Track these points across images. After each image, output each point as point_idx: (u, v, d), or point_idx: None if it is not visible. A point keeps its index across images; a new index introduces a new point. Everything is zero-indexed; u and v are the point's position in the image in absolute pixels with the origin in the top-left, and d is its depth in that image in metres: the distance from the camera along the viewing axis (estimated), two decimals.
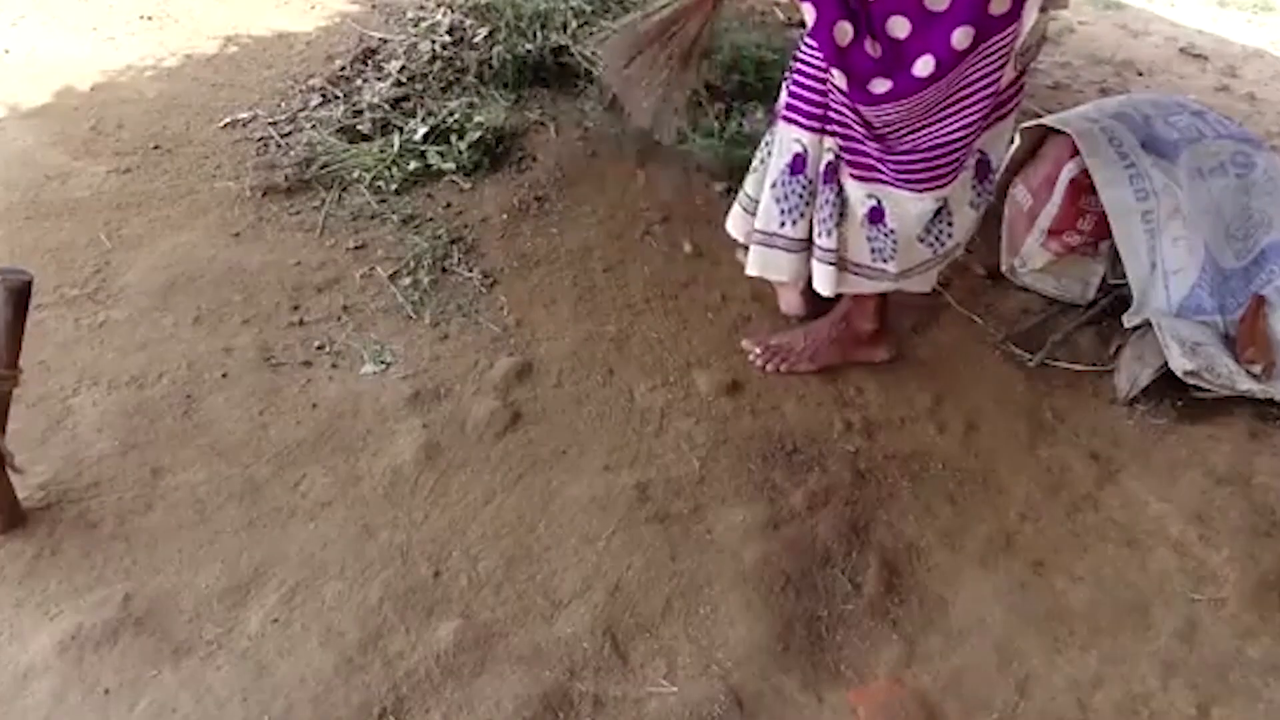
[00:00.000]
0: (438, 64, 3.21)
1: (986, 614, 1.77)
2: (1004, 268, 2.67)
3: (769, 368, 2.24)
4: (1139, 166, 2.40)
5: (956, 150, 1.88)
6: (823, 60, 1.85)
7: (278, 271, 2.37)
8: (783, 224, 2.04)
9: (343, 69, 3.23)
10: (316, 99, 3.06)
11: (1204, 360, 2.21)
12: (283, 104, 3.05)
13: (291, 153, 2.79)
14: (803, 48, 1.94)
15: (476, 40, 3.27)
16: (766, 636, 1.69)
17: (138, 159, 2.74)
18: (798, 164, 1.98)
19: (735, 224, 2.17)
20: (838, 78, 1.83)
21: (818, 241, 2.04)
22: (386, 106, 2.98)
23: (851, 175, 1.96)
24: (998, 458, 2.10)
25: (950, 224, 2.03)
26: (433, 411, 2.04)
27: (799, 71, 1.94)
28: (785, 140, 2.00)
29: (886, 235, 2.00)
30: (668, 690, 1.59)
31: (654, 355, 2.25)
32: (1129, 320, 2.38)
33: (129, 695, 1.50)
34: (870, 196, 1.96)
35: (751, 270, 2.13)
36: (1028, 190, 2.64)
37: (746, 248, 2.16)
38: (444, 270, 2.43)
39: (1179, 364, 2.19)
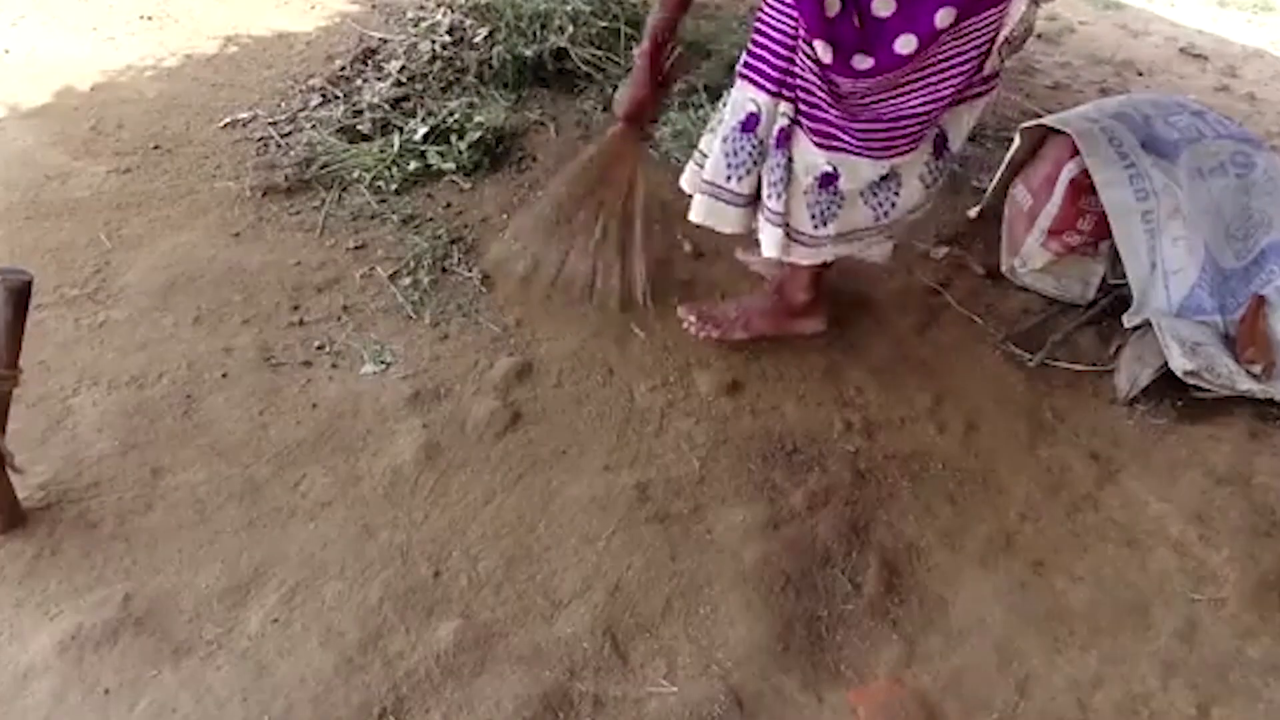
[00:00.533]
0: (438, 64, 3.21)
1: (986, 614, 1.77)
2: (1004, 268, 2.67)
3: (702, 335, 2.26)
4: (1139, 166, 2.40)
5: (919, 122, 1.90)
6: (800, 28, 1.85)
7: (278, 271, 2.37)
8: (729, 178, 2.03)
9: (343, 69, 3.23)
10: (316, 99, 3.06)
11: (1204, 360, 2.21)
12: (283, 104, 3.05)
13: (291, 153, 2.79)
14: (767, 9, 1.92)
15: (476, 40, 3.27)
16: (766, 636, 1.69)
17: (138, 159, 2.74)
18: (750, 123, 1.97)
19: (687, 179, 2.17)
20: (821, 50, 1.82)
21: (768, 204, 2.03)
22: (386, 106, 2.98)
23: (813, 142, 1.96)
24: (998, 458, 2.10)
25: (897, 193, 2.04)
26: (433, 411, 2.04)
27: (761, 33, 1.93)
28: (740, 99, 1.99)
29: (833, 196, 2.01)
30: (668, 690, 1.59)
31: (654, 355, 2.25)
32: (1129, 320, 2.39)
33: (129, 695, 1.50)
34: (828, 163, 1.97)
35: (695, 217, 2.12)
36: (1028, 190, 2.64)
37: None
38: (444, 270, 2.43)
39: (1179, 364, 2.19)
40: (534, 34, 3.19)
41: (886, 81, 1.85)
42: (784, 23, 1.88)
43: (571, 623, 1.67)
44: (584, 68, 3.17)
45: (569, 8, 3.22)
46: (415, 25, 3.45)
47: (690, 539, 1.85)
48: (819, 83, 1.88)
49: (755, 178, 2.02)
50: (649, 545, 1.82)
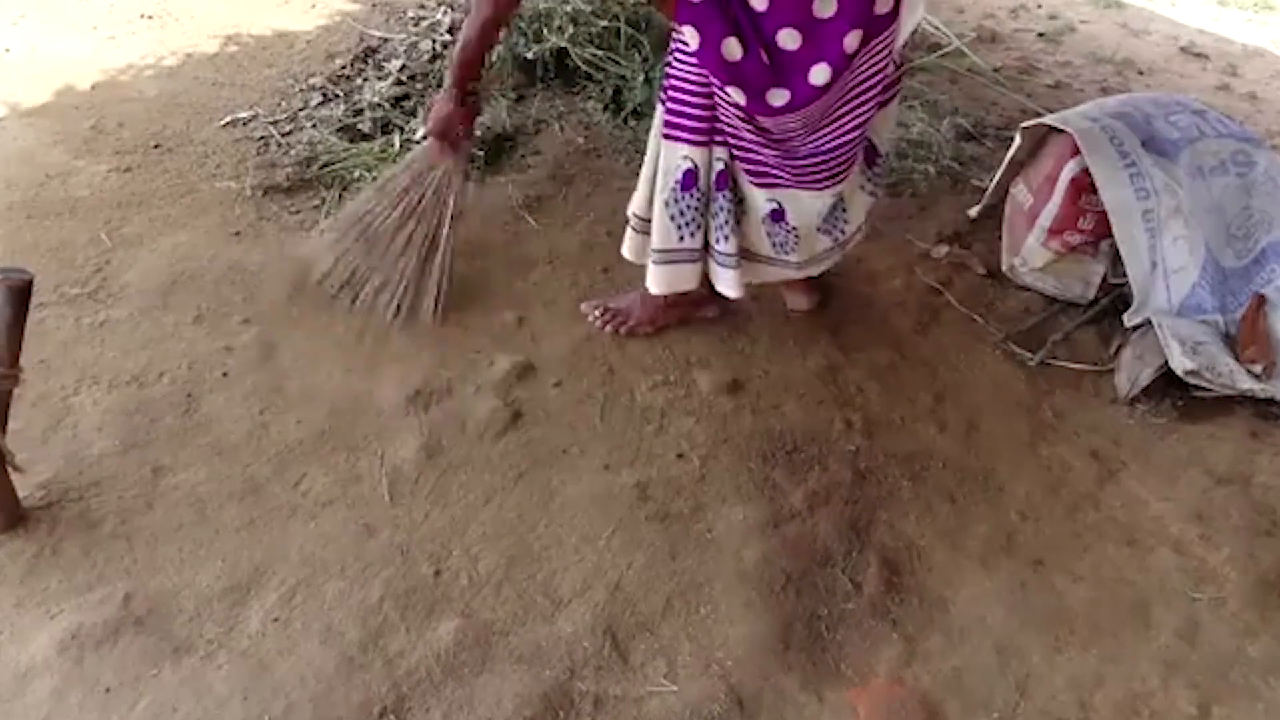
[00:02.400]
0: (438, 63, 3.21)
1: (986, 613, 1.77)
2: (1004, 267, 2.67)
3: (608, 330, 2.27)
4: (1140, 166, 2.40)
5: (854, 146, 1.93)
6: (710, 78, 1.84)
7: (278, 270, 2.37)
8: (681, 238, 2.03)
9: (343, 68, 3.24)
10: (317, 98, 3.06)
11: (1205, 359, 2.21)
12: (283, 103, 3.05)
13: (292, 152, 2.79)
14: (676, 64, 1.90)
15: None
16: (767, 636, 1.69)
17: (138, 158, 2.74)
18: (688, 180, 1.96)
19: (630, 247, 2.15)
20: (734, 93, 1.82)
21: (716, 247, 2.05)
22: (387, 105, 2.98)
23: (754, 184, 1.97)
24: (998, 457, 2.10)
25: (846, 212, 2.09)
26: (433, 411, 2.04)
27: (676, 89, 1.91)
28: (672, 159, 1.96)
29: (788, 232, 2.05)
30: (668, 689, 1.59)
31: (654, 355, 2.25)
32: (1130, 319, 2.38)
33: (129, 694, 1.50)
34: (770, 200, 1.99)
35: (657, 289, 2.11)
36: (1028, 189, 2.64)
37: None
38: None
39: (1179, 363, 2.19)
40: (534, 34, 3.19)
41: (812, 114, 1.85)
42: (696, 74, 1.87)
43: (572, 622, 1.67)
44: (584, 68, 3.17)
45: (569, 8, 3.22)
46: (416, 24, 3.46)
47: (690, 538, 1.85)
48: (747, 127, 1.88)
49: (704, 229, 2.04)
50: (649, 544, 1.82)
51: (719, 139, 1.93)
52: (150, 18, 3.55)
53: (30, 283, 1.60)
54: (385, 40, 3.37)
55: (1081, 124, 2.49)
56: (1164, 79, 4.11)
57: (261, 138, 2.87)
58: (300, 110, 3.00)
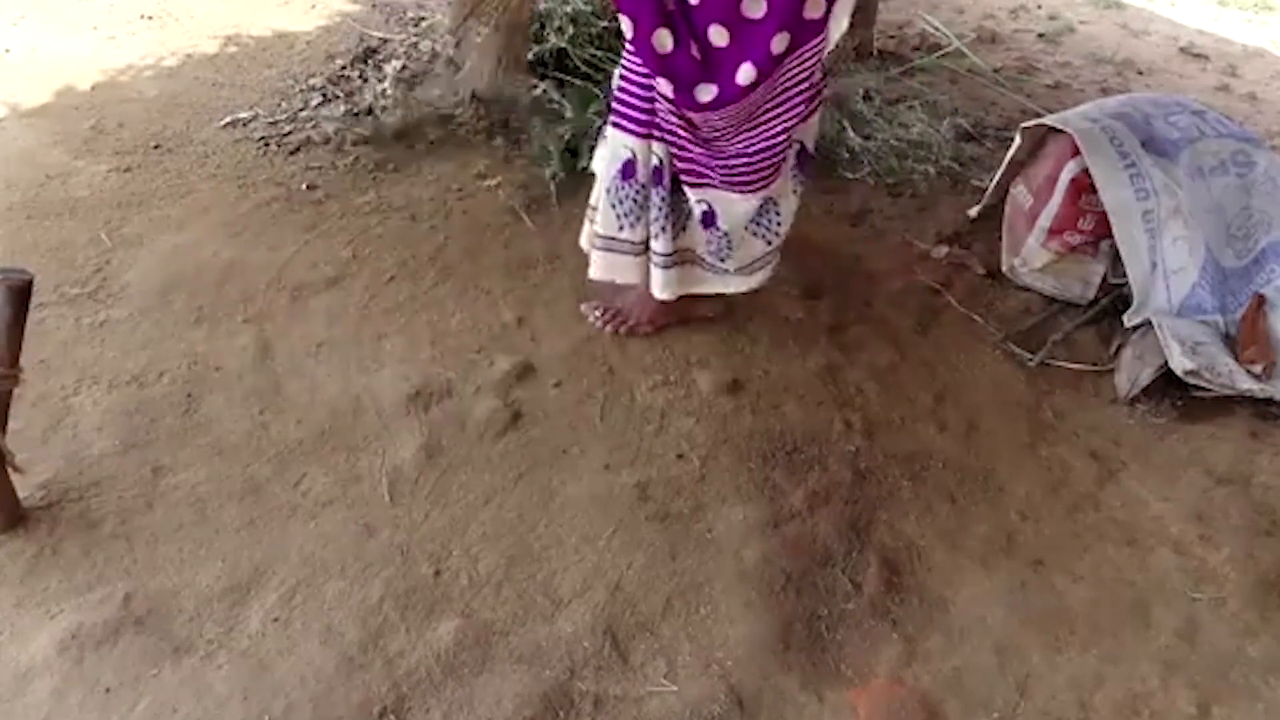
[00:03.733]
0: (438, 64, 3.21)
1: (986, 613, 1.77)
2: (1004, 267, 2.67)
3: (608, 329, 2.28)
4: (1140, 166, 2.40)
5: (780, 149, 1.95)
6: (645, 69, 1.88)
7: (278, 271, 2.37)
8: (621, 228, 2.08)
9: (343, 68, 3.24)
10: (317, 98, 3.06)
11: (1204, 359, 2.21)
12: (283, 103, 3.05)
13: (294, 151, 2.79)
14: (626, 56, 1.95)
15: (477, 40, 3.27)
16: (767, 636, 1.69)
17: (138, 158, 2.74)
18: (628, 169, 2.01)
19: (584, 236, 2.20)
20: (663, 85, 1.85)
21: (652, 245, 2.08)
22: None
23: (686, 183, 2.01)
24: (998, 457, 2.10)
25: (778, 214, 2.10)
26: (433, 411, 2.04)
27: (623, 78, 1.96)
28: (615, 147, 2.01)
29: (721, 237, 2.07)
30: (668, 689, 1.59)
31: (654, 355, 2.25)
32: (1129, 319, 2.39)
33: (129, 694, 1.50)
34: (700, 201, 2.02)
35: (595, 274, 2.16)
36: (1029, 190, 2.64)
37: None
38: (445, 270, 2.43)
39: (1179, 363, 2.19)
40: (535, 34, 3.19)
41: (740, 114, 1.88)
42: (639, 67, 1.91)
43: (572, 622, 1.67)
44: (584, 68, 3.17)
45: (569, 8, 3.23)
46: (416, 24, 3.46)
47: (690, 538, 1.85)
48: (679, 122, 1.91)
49: (645, 225, 2.07)
50: (649, 544, 1.82)
51: (658, 134, 1.97)
52: (150, 18, 3.55)
53: (30, 283, 1.60)
54: (385, 40, 3.37)
55: (1081, 124, 2.49)
56: (1164, 79, 4.11)
57: (261, 138, 2.87)
58: (300, 110, 3.01)
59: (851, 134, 3.13)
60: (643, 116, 1.96)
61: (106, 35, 3.40)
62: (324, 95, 3.07)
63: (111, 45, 3.34)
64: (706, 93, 1.85)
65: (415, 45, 3.31)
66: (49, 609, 1.60)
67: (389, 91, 3.07)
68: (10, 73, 3.10)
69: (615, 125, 2.00)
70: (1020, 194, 2.68)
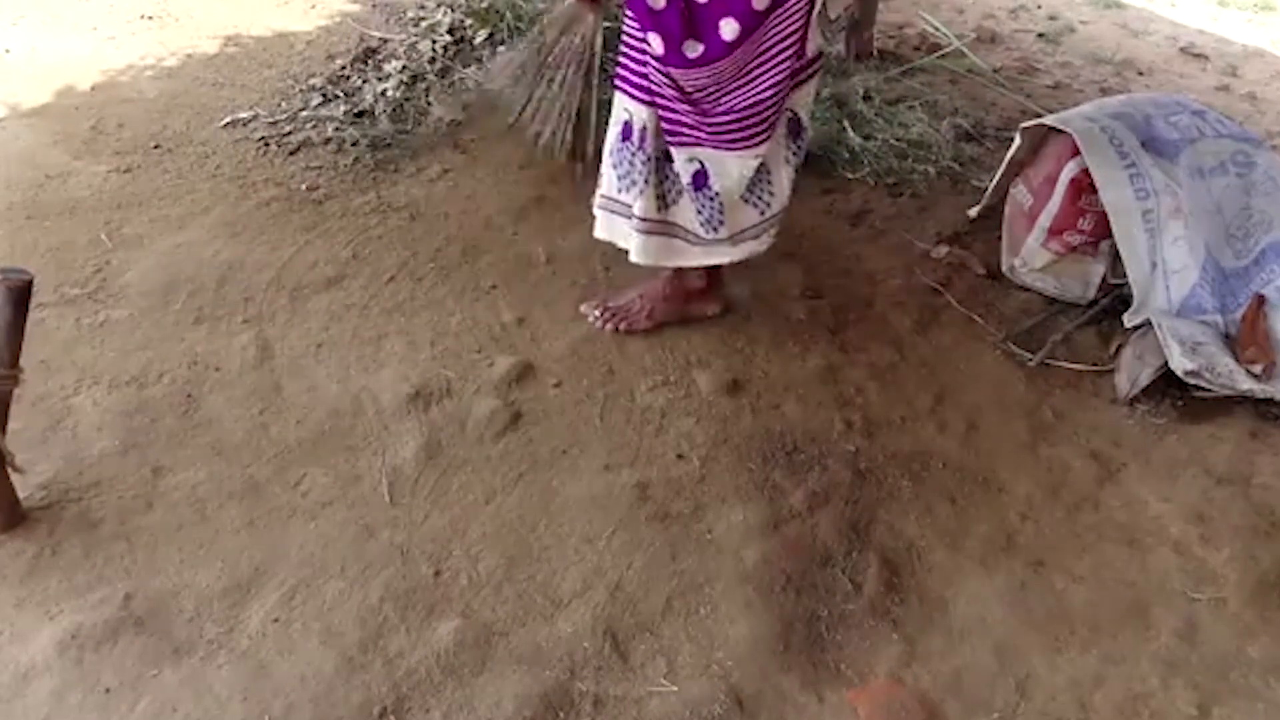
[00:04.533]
0: (438, 64, 3.21)
1: (986, 614, 1.77)
2: (1004, 268, 2.67)
3: (608, 328, 2.29)
4: (1139, 166, 2.40)
5: (768, 108, 1.96)
6: (637, 25, 1.94)
7: (278, 271, 2.37)
8: (620, 190, 2.11)
9: (343, 68, 3.24)
10: (317, 99, 3.06)
11: (1204, 360, 2.21)
12: (283, 104, 3.05)
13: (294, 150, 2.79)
14: (625, 20, 2.01)
15: (477, 40, 3.28)
16: (767, 636, 1.69)
17: (138, 158, 2.74)
18: (626, 131, 2.06)
19: (596, 198, 2.22)
20: (655, 42, 1.90)
21: (635, 210, 2.09)
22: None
23: (670, 142, 2.03)
24: (998, 457, 2.10)
25: (771, 183, 2.10)
26: (433, 411, 2.04)
27: (625, 43, 2.01)
28: (618, 108, 2.07)
29: (712, 199, 2.06)
30: (668, 689, 1.59)
31: (654, 355, 2.25)
32: (1129, 320, 2.38)
33: (129, 695, 1.50)
34: (691, 160, 2.03)
35: (599, 233, 2.20)
36: (1028, 190, 2.64)
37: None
38: (445, 270, 2.44)
39: (1179, 363, 2.19)
40: (534, 35, 3.19)
41: (725, 72, 1.92)
42: (636, 29, 1.97)
43: (572, 622, 1.67)
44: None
45: None
46: (416, 24, 3.46)
47: (690, 539, 1.85)
48: (665, 80, 1.95)
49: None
50: (649, 545, 1.82)
51: (652, 98, 2.01)
52: (150, 18, 3.55)
53: (30, 283, 1.60)
54: (385, 40, 3.37)
55: (1081, 124, 2.49)
56: (1164, 79, 4.11)
57: (261, 138, 2.87)
58: (300, 111, 3.01)
59: (851, 134, 3.13)
60: (640, 80, 2.00)
61: (106, 35, 3.40)
62: (324, 95, 3.07)
63: (111, 45, 3.34)
64: (693, 49, 1.89)
65: (415, 45, 3.31)
66: (49, 609, 1.60)
67: (389, 92, 3.07)
68: (10, 73, 3.10)
69: (617, 88, 2.06)
70: (1020, 194, 2.68)
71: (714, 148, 2.00)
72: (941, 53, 3.89)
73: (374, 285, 2.36)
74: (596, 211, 2.19)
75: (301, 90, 3.11)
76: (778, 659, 1.66)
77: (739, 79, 1.93)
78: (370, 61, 3.26)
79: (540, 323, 2.31)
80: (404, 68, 3.19)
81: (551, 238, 2.59)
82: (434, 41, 3.30)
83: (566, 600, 1.71)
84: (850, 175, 3.03)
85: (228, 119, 2.95)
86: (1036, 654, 1.71)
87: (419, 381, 2.10)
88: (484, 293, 2.38)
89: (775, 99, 1.96)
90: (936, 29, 4.14)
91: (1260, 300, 2.33)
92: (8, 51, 3.23)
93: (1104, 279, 2.54)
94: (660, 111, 2.00)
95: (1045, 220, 2.52)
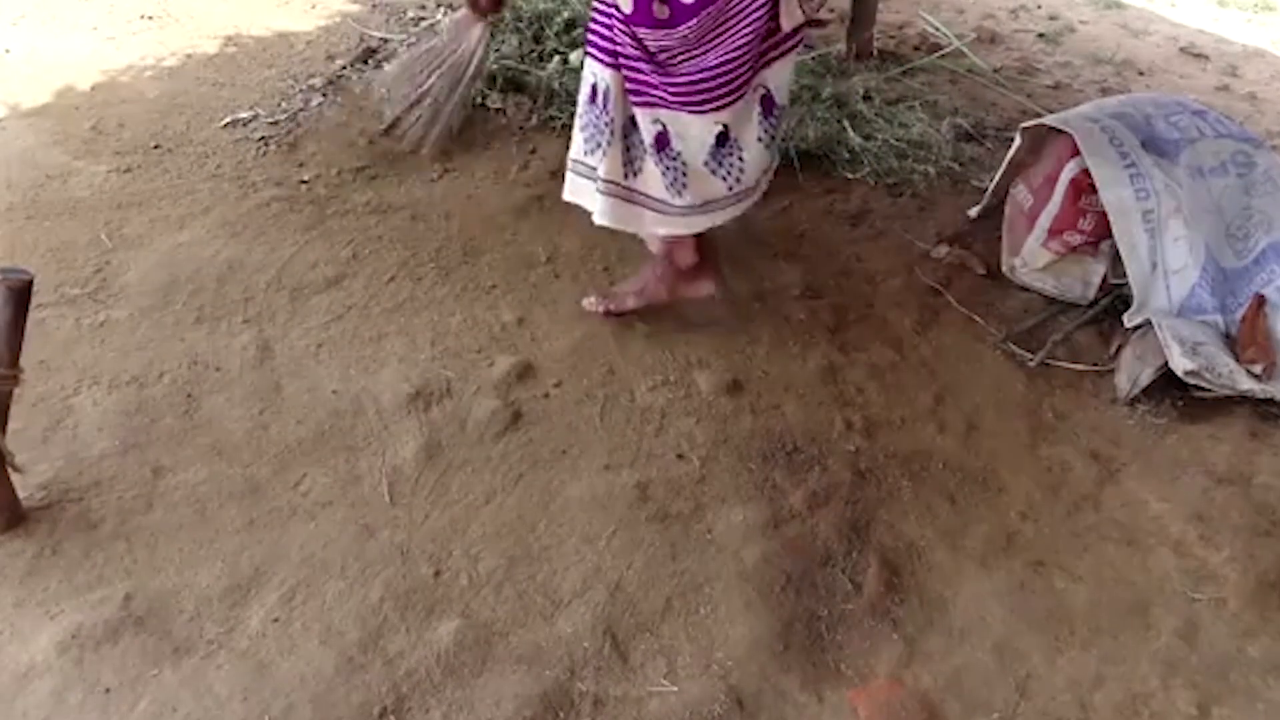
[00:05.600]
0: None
1: (986, 614, 1.77)
2: (1004, 268, 2.67)
3: (602, 310, 2.33)
4: (1140, 166, 2.40)
5: (730, 73, 1.97)
6: None
7: (278, 271, 2.37)
8: (586, 152, 2.12)
9: (343, 68, 3.23)
10: (317, 98, 3.06)
11: (1205, 360, 2.21)
12: (283, 103, 3.05)
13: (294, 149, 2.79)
14: None
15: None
16: (767, 636, 1.69)
17: (138, 158, 2.74)
18: (593, 95, 2.08)
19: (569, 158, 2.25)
20: (623, 1, 1.92)
21: (600, 171, 2.10)
22: None
23: (634, 103, 2.04)
24: (998, 457, 2.10)
25: (741, 158, 2.09)
26: (433, 411, 2.04)
27: (595, 6, 2.03)
28: (586, 72, 2.09)
29: (675, 160, 2.06)
30: (668, 689, 1.59)
31: (654, 355, 2.25)
32: (1130, 320, 2.38)
33: (130, 694, 1.50)
34: (655, 122, 2.04)
35: (566, 195, 2.21)
36: (1029, 190, 2.64)
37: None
38: (445, 270, 2.44)
39: (1180, 364, 2.19)
40: (534, 35, 3.19)
41: (688, 38, 1.94)
42: None
43: (572, 622, 1.67)
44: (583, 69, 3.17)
45: (567, 13, 3.23)
46: (416, 24, 3.46)
47: (690, 539, 1.85)
48: (631, 41, 1.98)
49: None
50: (649, 545, 1.82)
51: (619, 61, 2.03)
52: (150, 18, 3.55)
53: (30, 283, 1.60)
54: (385, 40, 3.37)
55: (1081, 124, 2.49)
56: (1164, 79, 4.11)
57: (261, 138, 2.87)
58: (300, 110, 3.00)
59: (851, 134, 3.13)
60: (608, 45, 2.02)
61: (106, 35, 3.40)
62: (324, 95, 3.07)
63: (111, 45, 3.34)
64: (662, 10, 1.92)
65: (415, 45, 3.31)
66: (49, 609, 1.60)
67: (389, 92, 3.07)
68: (10, 73, 3.10)
69: (587, 52, 2.09)
70: (1020, 194, 2.68)
71: (675, 108, 2.03)
72: (941, 53, 3.89)
73: (374, 285, 2.36)
74: (568, 175, 2.20)
75: (301, 90, 3.11)
76: (778, 659, 1.66)
77: (703, 43, 1.96)
78: (370, 61, 3.26)
79: (540, 323, 2.31)
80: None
81: (551, 238, 2.59)
82: (434, 41, 3.30)
83: (566, 600, 1.71)
84: (850, 175, 3.02)
85: (228, 119, 2.95)
86: (1036, 654, 1.71)
87: (419, 381, 2.10)
88: (484, 293, 2.38)
89: (738, 66, 1.98)
90: (936, 29, 4.14)
91: (1260, 300, 2.33)
92: (8, 51, 3.23)
93: (1104, 279, 2.54)
94: (625, 71, 2.03)
95: (1045, 220, 2.52)
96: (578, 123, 2.13)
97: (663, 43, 1.95)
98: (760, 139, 2.09)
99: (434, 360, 2.17)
